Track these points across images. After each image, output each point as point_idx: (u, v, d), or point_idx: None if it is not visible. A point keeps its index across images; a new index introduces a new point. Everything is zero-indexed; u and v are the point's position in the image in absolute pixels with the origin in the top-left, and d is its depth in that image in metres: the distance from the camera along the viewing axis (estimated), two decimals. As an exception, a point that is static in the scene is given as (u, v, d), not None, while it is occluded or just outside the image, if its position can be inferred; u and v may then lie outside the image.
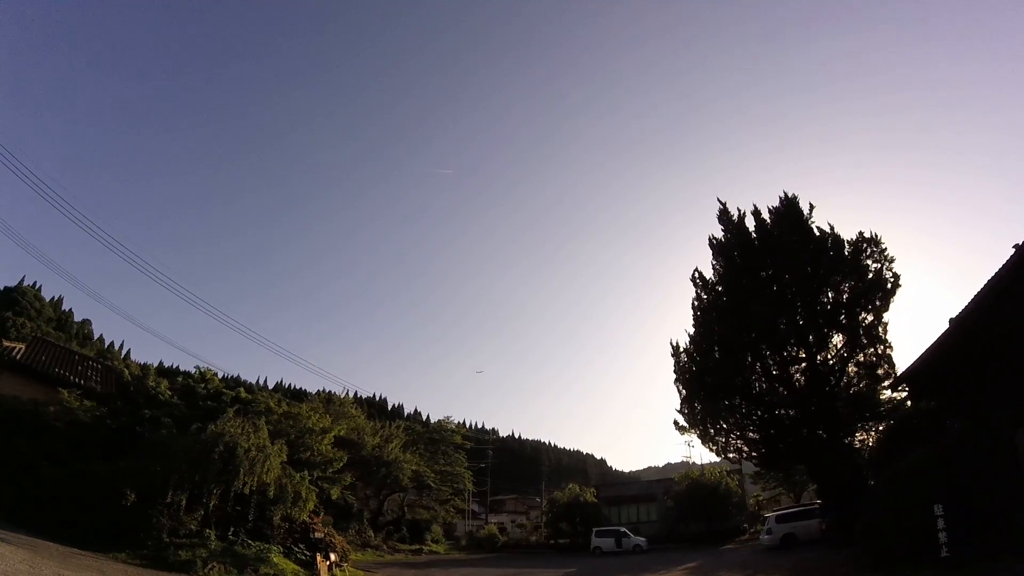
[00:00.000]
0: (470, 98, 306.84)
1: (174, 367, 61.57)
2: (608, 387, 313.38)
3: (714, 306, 30.86)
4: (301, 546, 24.10)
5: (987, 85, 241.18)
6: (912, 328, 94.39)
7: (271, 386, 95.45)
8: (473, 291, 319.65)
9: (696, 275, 32.00)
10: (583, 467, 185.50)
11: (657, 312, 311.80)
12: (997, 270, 16.22)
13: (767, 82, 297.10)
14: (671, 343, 32.31)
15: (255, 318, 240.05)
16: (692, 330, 31.66)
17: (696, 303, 31.87)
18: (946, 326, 20.24)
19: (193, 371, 29.24)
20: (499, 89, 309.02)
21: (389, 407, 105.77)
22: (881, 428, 28.52)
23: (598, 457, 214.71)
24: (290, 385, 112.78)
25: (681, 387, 31.93)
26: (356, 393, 54.42)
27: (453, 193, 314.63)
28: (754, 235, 30.25)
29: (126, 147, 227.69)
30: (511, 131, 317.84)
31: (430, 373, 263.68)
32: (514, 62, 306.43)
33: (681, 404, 31.87)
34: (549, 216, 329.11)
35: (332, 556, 24.62)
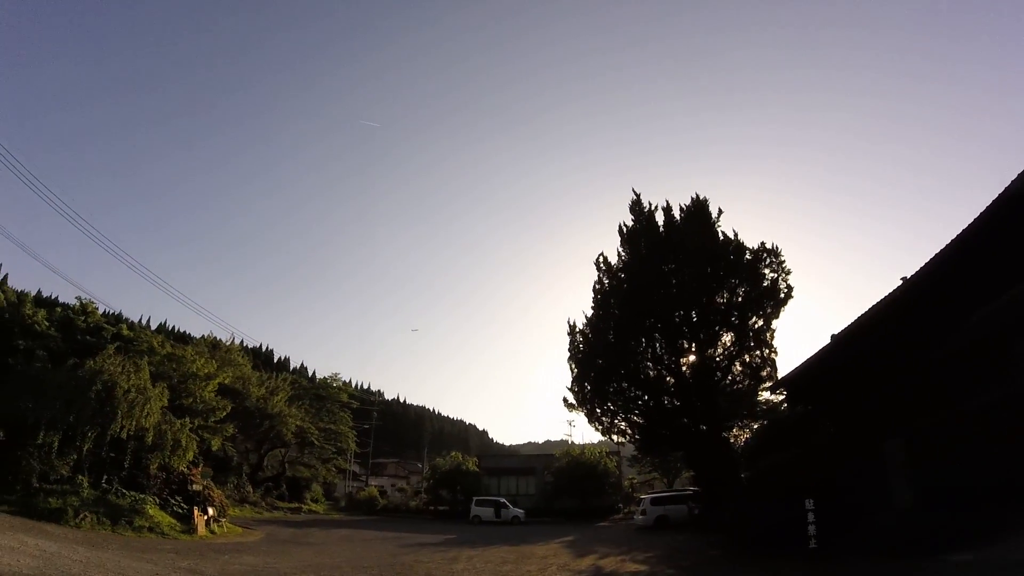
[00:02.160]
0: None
1: (53, 297, 55.97)
2: (495, 361, 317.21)
3: (615, 291, 31.41)
4: (178, 498, 22.80)
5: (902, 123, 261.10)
6: (793, 337, 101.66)
7: (154, 327, 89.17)
8: (369, 249, 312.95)
9: (601, 259, 32.44)
10: (465, 436, 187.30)
11: (548, 295, 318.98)
12: (883, 298, 17.62)
13: (691, 96, 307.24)
14: (568, 322, 32.78)
15: (141, 253, 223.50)
16: (591, 312, 32.29)
17: (597, 286, 32.26)
18: (827, 340, 22.03)
19: (74, 303, 26.77)
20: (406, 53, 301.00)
21: (275, 359, 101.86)
22: (756, 426, 30.49)
23: (480, 428, 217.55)
24: (174, 328, 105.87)
25: (574, 366, 32.59)
26: (242, 341, 51.72)
27: (362, 148, 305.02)
28: (662, 230, 31.12)
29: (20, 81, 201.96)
30: (427, 95, 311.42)
31: (319, 328, 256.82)
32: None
33: (572, 382, 32.51)
34: (450, 185, 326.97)
35: (210, 510, 23.50)
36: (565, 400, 32.91)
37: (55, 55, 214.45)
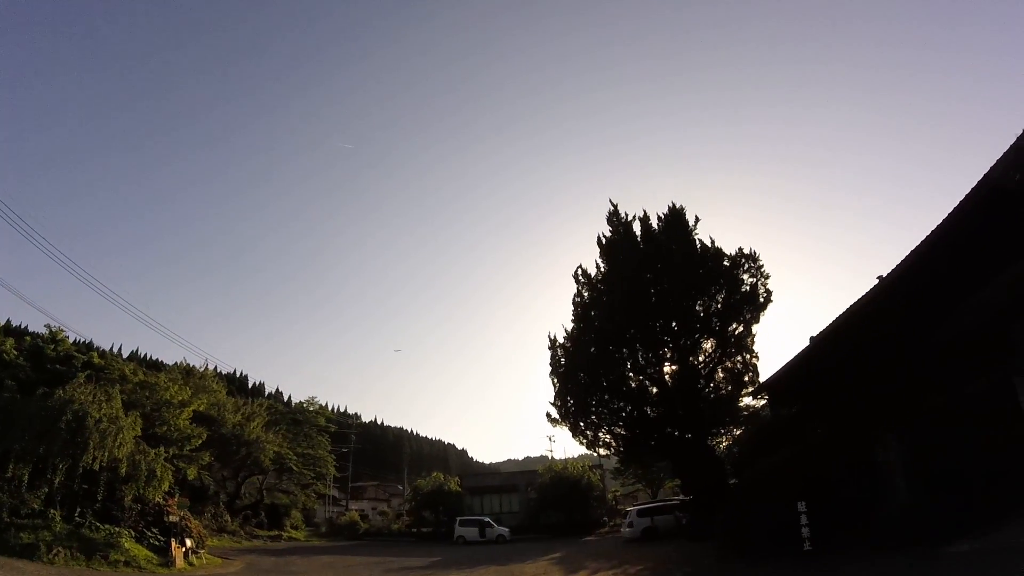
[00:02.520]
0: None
1: (23, 327, 54.28)
2: (472, 380, 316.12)
3: (595, 303, 31.41)
4: (155, 530, 22.03)
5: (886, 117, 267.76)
6: (768, 339, 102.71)
7: (126, 355, 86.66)
8: (342, 273, 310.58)
9: (580, 271, 32.49)
10: (444, 456, 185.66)
11: (526, 313, 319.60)
12: (863, 295, 17.75)
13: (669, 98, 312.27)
14: (549, 337, 32.61)
15: (111, 279, 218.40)
16: (571, 325, 32.24)
17: (577, 299, 32.27)
18: (805, 342, 22.17)
19: (43, 331, 25.79)
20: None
21: (250, 384, 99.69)
22: (738, 432, 30.54)
23: (459, 447, 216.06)
24: (146, 355, 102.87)
25: (555, 380, 32.39)
26: (216, 367, 50.46)
27: (331, 171, 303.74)
28: (640, 240, 31.23)
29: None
30: (397, 113, 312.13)
31: (293, 353, 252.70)
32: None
33: (555, 397, 32.28)
34: (423, 205, 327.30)
35: (188, 542, 22.71)
36: (548, 415, 32.61)
37: (33, 74, 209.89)
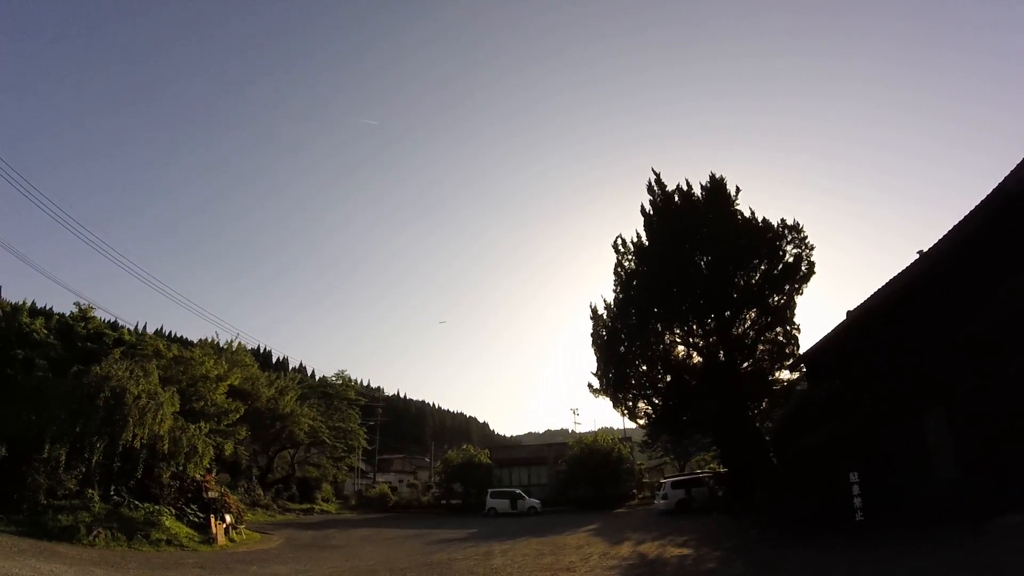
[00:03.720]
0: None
1: (47, 308, 54.70)
2: (494, 353, 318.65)
3: (636, 274, 31.00)
4: (194, 507, 21.80)
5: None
6: (804, 311, 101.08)
7: (150, 332, 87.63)
8: (364, 249, 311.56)
9: (620, 241, 32.00)
10: (467, 429, 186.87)
11: (547, 287, 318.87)
12: (903, 270, 17.10)
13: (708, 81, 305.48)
14: (590, 307, 32.48)
15: (136, 260, 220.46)
16: (612, 296, 31.84)
17: (618, 269, 31.94)
18: (841, 316, 21.47)
19: (71, 310, 25.43)
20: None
21: (274, 360, 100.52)
22: (777, 406, 29.87)
23: (481, 421, 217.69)
24: (171, 332, 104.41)
25: (597, 351, 32.11)
26: (242, 343, 50.53)
27: (357, 146, 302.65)
28: (681, 210, 30.45)
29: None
30: (425, 91, 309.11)
31: (316, 328, 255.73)
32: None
33: (596, 367, 32.01)
34: (445, 182, 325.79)
35: (227, 518, 22.53)
36: (590, 386, 32.38)
37: (50, 69, 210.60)
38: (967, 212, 13.63)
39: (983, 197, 12.97)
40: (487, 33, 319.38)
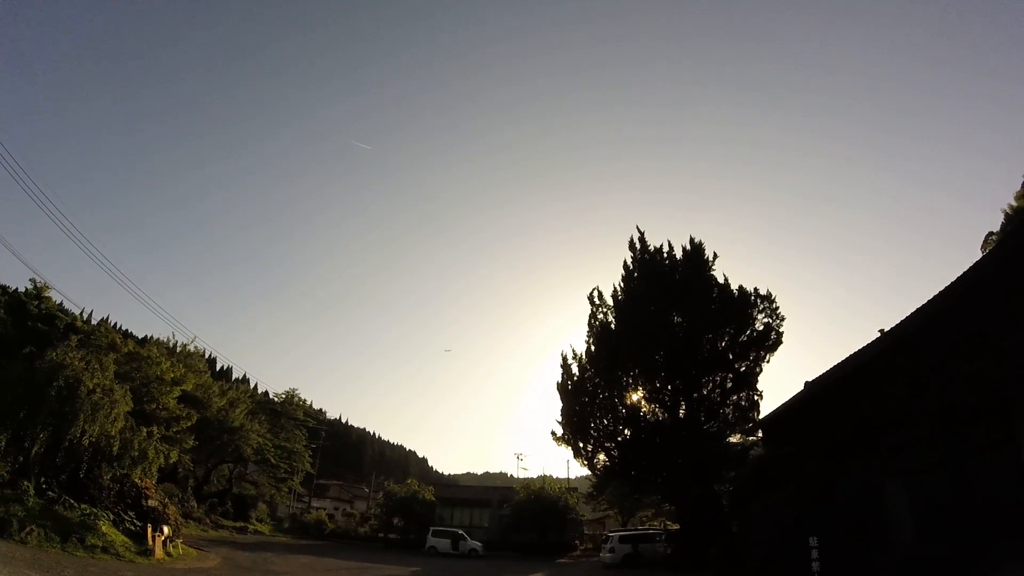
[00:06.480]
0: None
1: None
2: (439, 389, 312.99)
3: (610, 326, 31.45)
4: (131, 514, 20.29)
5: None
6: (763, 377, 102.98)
7: (94, 322, 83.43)
8: (321, 271, 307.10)
9: (596, 294, 32.60)
10: (405, 463, 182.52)
11: (501, 327, 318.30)
12: (861, 348, 17.75)
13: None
14: (562, 354, 32.98)
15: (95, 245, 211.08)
16: (584, 345, 32.17)
17: (592, 320, 32.46)
18: (800, 387, 22.03)
19: (26, 287, 23.69)
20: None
21: (218, 367, 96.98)
22: (732, 466, 30.15)
23: (420, 455, 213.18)
24: (117, 324, 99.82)
25: (563, 398, 32.12)
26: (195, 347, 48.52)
27: (328, 169, 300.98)
28: (657, 268, 31.26)
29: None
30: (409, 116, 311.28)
31: (261, 342, 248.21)
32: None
33: (561, 414, 32.00)
34: (409, 216, 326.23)
35: (165, 529, 21.02)
36: (553, 433, 32.75)
37: (44, 57, 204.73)
38: (931, 296, 14.17)
39: (948, 283, 13.47)
40: (478, 87, 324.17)
